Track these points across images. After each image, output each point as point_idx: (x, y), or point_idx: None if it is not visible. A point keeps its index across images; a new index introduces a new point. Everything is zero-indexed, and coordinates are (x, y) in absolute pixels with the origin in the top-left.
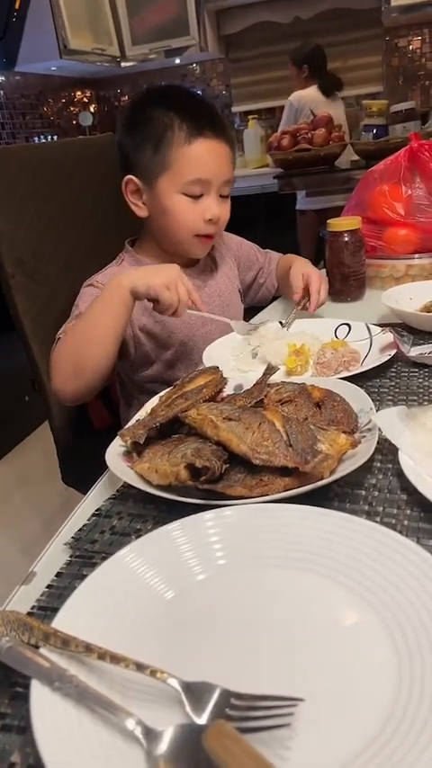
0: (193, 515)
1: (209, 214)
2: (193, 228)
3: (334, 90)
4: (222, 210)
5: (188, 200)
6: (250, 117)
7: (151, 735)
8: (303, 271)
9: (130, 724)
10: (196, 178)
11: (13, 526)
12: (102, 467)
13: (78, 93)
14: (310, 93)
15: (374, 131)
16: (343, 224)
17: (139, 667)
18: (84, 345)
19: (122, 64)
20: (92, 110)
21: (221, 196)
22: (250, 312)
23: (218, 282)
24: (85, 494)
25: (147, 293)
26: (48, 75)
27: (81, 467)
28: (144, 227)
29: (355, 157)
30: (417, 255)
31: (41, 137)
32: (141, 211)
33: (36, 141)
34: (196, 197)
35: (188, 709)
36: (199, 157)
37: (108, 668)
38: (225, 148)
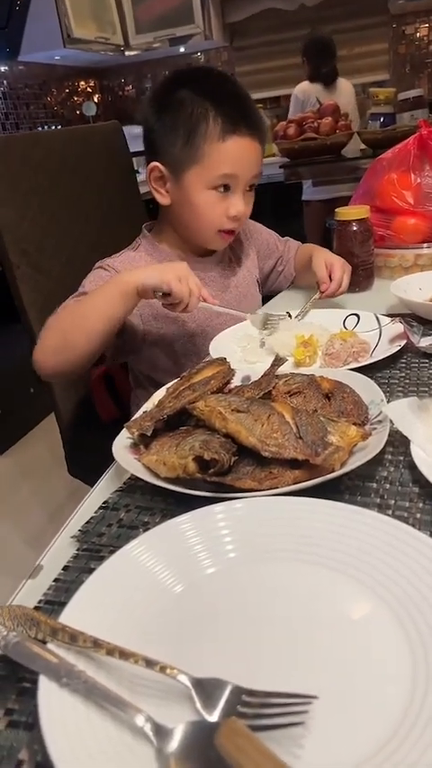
0: (203, 508)
1: (234, 210)
2: (217, 224)
3: (326, 81)
4: (247, 206)
5: (215, 196)
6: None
7: (161, 732)
8: (327, 260)
9: (140, 721)
10: (226, 174)
11: (20, 518)
12: (108, 458)
13: (82, 82)
14: (313, 84)
15: (382, 120)
16: (351, 213)
17: (149, 663)
18: (72, 329)
19: (126, 53)
20: (96, 100)
21: (247, 191)
22: (265, 300)
23: (236, 273)
24: (91, 486)
25: (160, 286)
26: (51, 65)
27: (87, 458)
28: (162, 213)
29: (363, 146)
30: (426, 245)
31: (45, 127)
32: (164, 199)
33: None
34: (223, 193)
35: (199, 706)
36: (231, 154)
37: (117, 664)
38: (257, 145)
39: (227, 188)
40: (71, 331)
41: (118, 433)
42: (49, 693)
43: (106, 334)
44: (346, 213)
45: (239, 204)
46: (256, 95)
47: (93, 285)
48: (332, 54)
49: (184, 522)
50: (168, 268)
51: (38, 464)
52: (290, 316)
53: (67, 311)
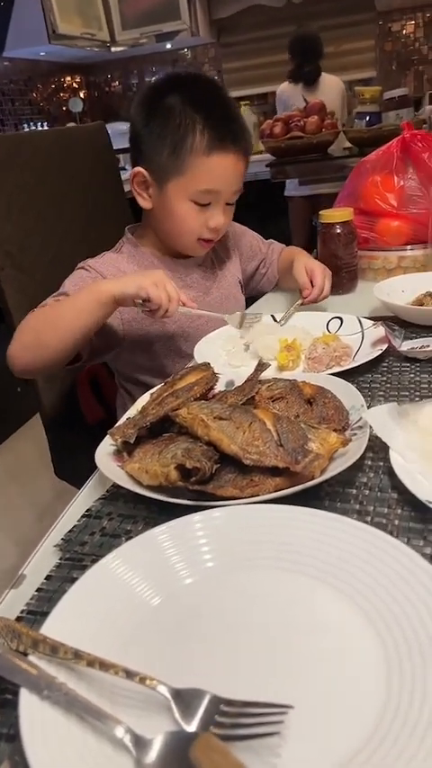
0: (181, 518)
1: (213, 223)
2: (197, 234)
3: (307, 81)
4: (226, 217)
5: (195, 208)
6: (242, 102)
7: (140, 743)
8: (308, 266)
9: (120, 732)
10: (208, 189)
11: (6, 519)
12: (94, 461)
13: (68, 78)
14: (295, 84)
15: (368, 118)
16: (335, 215)
17: (129, 674)
18: (46, 329)
19: (113, 49)
20: (82, 96)
21: (228, 204)
22: (246, 302)
23: (218, 275)
24: (78, 487)
25: (137, 294)
26: (36, 61)
27: (73, 460)
28: (145, 216)
29: (349, 144)
30: (409, 247)
31: (31, 123)
32: (146, 203)
33: (25, 128)
34: (204, 205)
35: (177, 716)
36: (215, 170)
37: (97, 675)
38: (242, 162)
39: (207, 203)
40: (45, 331)
41: (103, 437)
42: (30, 706)
43: (80, 337)
44: (331, 216)
45: (219, 217)
46: (243, 92)
47: (74, 286)
48: (317, 52)
49: (163, 532)
50: (145, 275)
51: (25, 464)
52: (274, 319)
53: (44, 311)
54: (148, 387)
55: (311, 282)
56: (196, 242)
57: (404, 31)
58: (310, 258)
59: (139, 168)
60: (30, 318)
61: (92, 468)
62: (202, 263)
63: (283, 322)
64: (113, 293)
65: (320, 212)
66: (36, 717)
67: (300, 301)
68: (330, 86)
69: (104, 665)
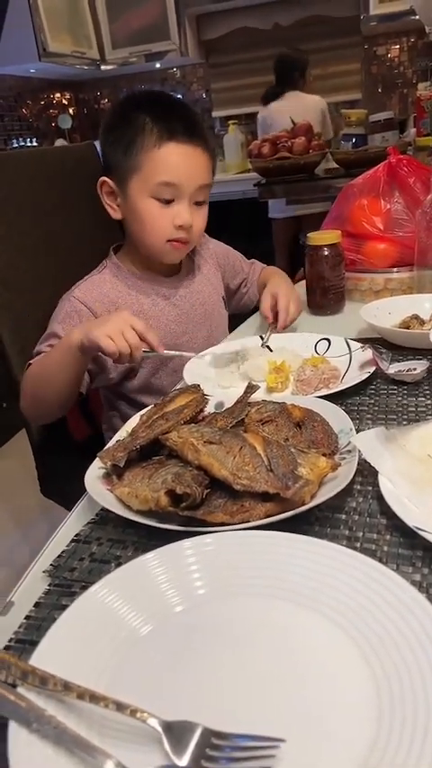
0: (172, 544)
1: (179, 220)
2: (164, 234)
3: (266, 100)
4: (196, 217)
5: (158, 205)
6: (230, 122)
7: None
8: (272, 291)
9: (109, 766)
10: (165, 181)
11: None
12: (81, 481)
13: (57, 95)
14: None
15: (354, 141)
16: (323, 237)
17: (119, 707)
18: (40, 389)
19: (102, 67)
20: (71, 113)
21: (197, 203)
22: (233, 319)
23: (201, 290)
24: (64, 506)
25: (90, 346)
26: (26, 77)
27: (60, 480)
28: (125, 233)
29: (335, 165)
30: (395, 269)
31: (20, 139)
32: (115, 213)
33: (14, 144)
34: (167, 202)
35: (168, 749)
36: (169, 161)
37: (87, 707)
38: (199, 153)
39: (169, 199)
40: (39, 390)
41: (90, 454)
42: (18, 739)
43: (69, 388)
44: (318, 238)
45: (184, 213)
46: (231, 112)
47: (63, 329)
48: (287, 72)
49: (153, 558)
50: (102, 324)
51: (10, 480)
52: (262, 339)
53: (31, 373)
54: (132, 402)
55: (277, 305)
56: (166, 244)
57: (389, 55)
58: (281, 283)
59: (103, 177)
60: (26, 376)
61: (79, 487)
62: (186, 280)
63: (265, 344)
64: (79, 344)
65: (308, 234)
66: (24, 751)
67: (271, 329)
68: (306, 105)
69: (95, 698)
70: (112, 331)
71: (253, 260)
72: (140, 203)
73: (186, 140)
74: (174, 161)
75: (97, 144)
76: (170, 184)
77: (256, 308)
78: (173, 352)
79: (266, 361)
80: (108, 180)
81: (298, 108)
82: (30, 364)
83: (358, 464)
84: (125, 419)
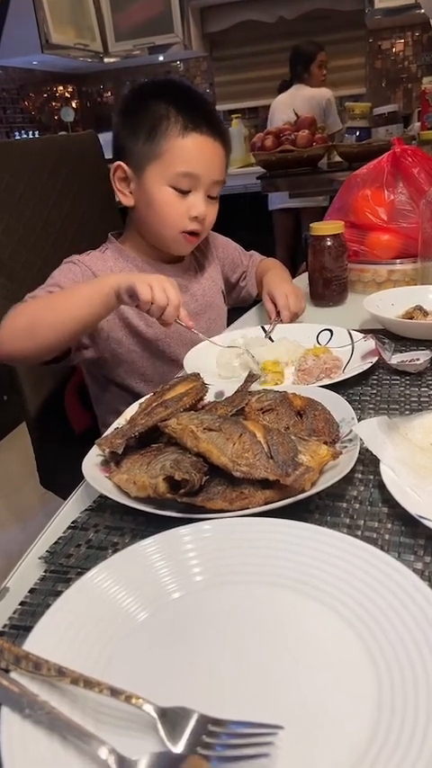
0: (169, 530)
1: (195, 211)
2: (179, 225)
3: (282, 90)
4: (209, 211)
5: (175, 194)
6: (234, 116)
7: (125, 764)
8: (268, 291)
9: (103, 753)
10: (186, 171)
11: None
12: (80, 471)
13: (60, 88)
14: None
15: (357, 134)
16: (326, 228)
17: (114, 692)
18: (42, 321)
19: (105, 60)
20: (74, 105)
21: (210, 197)
22: (233, 313)
23: (201, 282)
24: (63, 498)
25: (127, 289)
26: (29, 70)
27: (59, 471)
28: (129, 218)
29: (338, 159)
30: (399, 261)
31: (22, 132)
32: (127, 200)
33: (17, 136)
34: (184, 192)
35: (164, 736)
36: (192, 151)
37: (81, 693)
38: (219, 149)
39: (186, 190)
40: (40, 323)
41: (90, 445)
42: (11, 725)
43: (76, 333)
44: (321, 228)
45: (200, 205)
46: (234, 105)
47: (65, 279)
48: (293, 66)
49: (150, 545)
50: (145, 275)
51: (10, 473)
52: (264, 330)
53: (40, 302)
54: (129, 391)
55: (277, 306)
56: (180, 235)
57: (394, 49)
58: (276, 280)
59: (118, 162)
60: (24, 308)
61: (78, 478)
62: (187, 270)
63: (269, 335)
64: (118, 287)
65: (311, 225)
66: (17, 737)
67: (275, 322)
68: (305, 98)
69: (89, 683)
70: (153, 282)
71: (252, 252)
72: (157, 191)
73: (209, 133)
74: (197, 152)
75: (101, 136)
76: (190, 175)
77: (255, 301)
78: (199, 333)
79: (268, 351)
80: (123, 164)
81: (296, 101)
82: (25, 300)
83: (360, 453)
84: (114, 412)
